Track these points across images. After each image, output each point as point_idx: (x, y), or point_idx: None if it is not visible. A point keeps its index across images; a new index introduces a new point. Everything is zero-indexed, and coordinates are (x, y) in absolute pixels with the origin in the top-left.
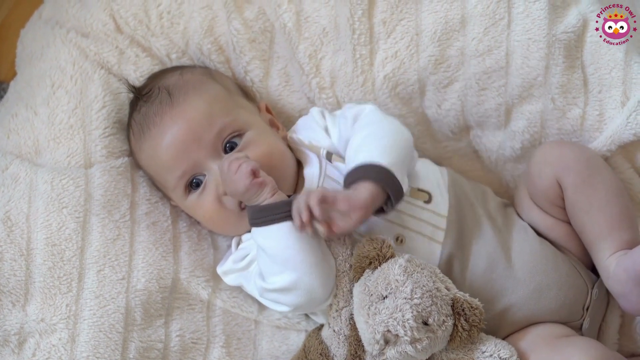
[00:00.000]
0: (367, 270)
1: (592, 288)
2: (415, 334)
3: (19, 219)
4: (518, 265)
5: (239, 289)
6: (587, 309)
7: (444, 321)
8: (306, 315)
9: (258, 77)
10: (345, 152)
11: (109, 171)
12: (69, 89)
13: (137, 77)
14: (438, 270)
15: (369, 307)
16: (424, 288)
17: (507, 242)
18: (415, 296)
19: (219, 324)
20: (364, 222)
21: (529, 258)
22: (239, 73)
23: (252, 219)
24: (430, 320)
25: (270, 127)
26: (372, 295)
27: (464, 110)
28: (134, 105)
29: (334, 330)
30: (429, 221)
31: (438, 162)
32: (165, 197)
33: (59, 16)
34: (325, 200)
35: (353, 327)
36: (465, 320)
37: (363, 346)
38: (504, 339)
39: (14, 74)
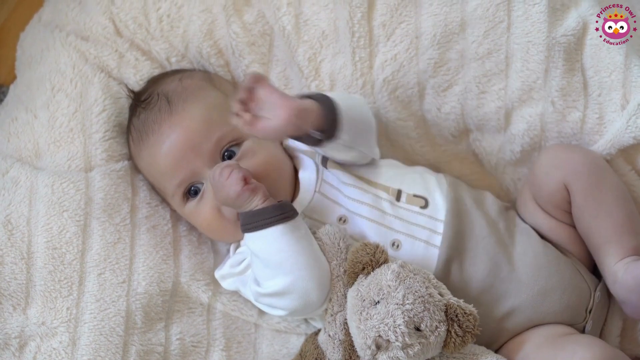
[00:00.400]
0: (360, 275)
1: (595, 291)
2: (407, 339)
3: (19, 223)
4: (521, 269)
5: (239, 293)
6: (590, 312)
7: (436, 327)
8: (305, 319)
9: None
10: None
11: (109, 175)
12: (69, 92)
13: (137, 80)
14: (432, 276)
15: (360, 313)
16: (416, 294)
17: (509, 245)
18: (407, 302)
19: (219, 327)
20: (290, 130)
21: (532, 261)
22: (238, 76)
23: (243, 224)
24: (423, 326)
25: None
26: (364, 300)
27: (464, 114)
28: (133, 110)
29: (329, 335)
30: (425, 226)
31: (437, 166)
32: (165, 201)
33: (59, 20)
34: (258, 89)
35: (347, 331)
36: (459, 326)
37: (357, 351)
38: (507, 341)
39: (14, 78)
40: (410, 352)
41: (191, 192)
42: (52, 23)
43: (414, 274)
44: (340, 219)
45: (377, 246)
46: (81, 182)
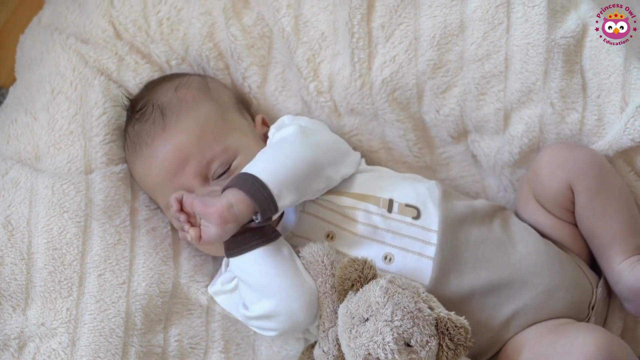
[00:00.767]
0: (349, 292)
1: (597, 287)
2: (397, 356)
3: (19, 223)
4: (523, 269)
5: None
6: (593, 308)
7: (427, 342)
8: None
9: (256, 83)
10: None
11: (109, 177)
12: (69, 95)
13: (137, 83)
14: (422, 290)
15: (350, 331)
16: (405, 309)
17: (508, 247)
18: (396, 318)
19: (218, 329)
20: (230, 230)
21: (534, 260)
22: (237, 79)
23: (227, 250)
24: (413, 342)
25: (264, 140)
26: (353, 317)
27: (463, 116)
28: (129, 117)
29: (323, 351)
30: (417, 237)
31: (434, 168)
32: None
33: (58, 22)
34: (184, 202)
35: (340, 347)
36: (450, 339)
37: None
38: (510, 338)
39: (14, 80)
40: None
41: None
42: (52, 25)
43: (403, 289)
44: (328, 236)
45: (365, 261)
46: (81, 183)
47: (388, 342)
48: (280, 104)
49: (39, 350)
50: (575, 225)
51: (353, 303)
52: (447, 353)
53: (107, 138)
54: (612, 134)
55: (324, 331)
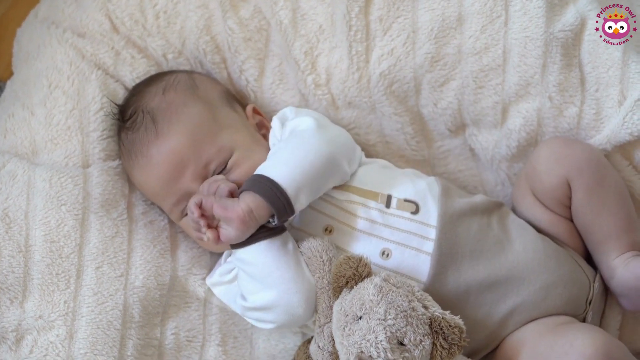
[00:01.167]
0: (344, 289)
1: (594, 281)
2: (389, 355)
3: (17, 216)
4: (521, 266)
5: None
6: (590, 303)
7: (420, 341)
8: None
9: (253, 77)
10: None
11: (107, 171)
12: (66, 90)
13: (133, 78)
14: (416, 289)
15: (343, 328)
16: (399, 308)
17: (506, 244)
18: (389, 317)
19: (216, 322)
20: (248, 232)
21: (531, 256)
22: (234, 72)
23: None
24: (406, 340)
25: (259, 129)
26: (347, 315)
27: (461, 109)
28: (120, 125)
29: (319, 346)
30: (416, 233)
31: (432, 162)
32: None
33: (55, 16)
34: (203, 207)
35: (335, 343)
36: (444, 339)
37: None
38: (508, 335)
39: (11, 74)
40: None
41: (185, 210)
42: (49, 19)
43: (397, 288)
44: (326, 229)
45: (360, 259)
46: (79, 177)
47: (381, 341)
48: (278, 97)
49: (37, 343)
50: (572, 220)
51: (347, 301)
52: (441, 352)
53: (104, 133)
54: (610, 128)
55: (319, 327)
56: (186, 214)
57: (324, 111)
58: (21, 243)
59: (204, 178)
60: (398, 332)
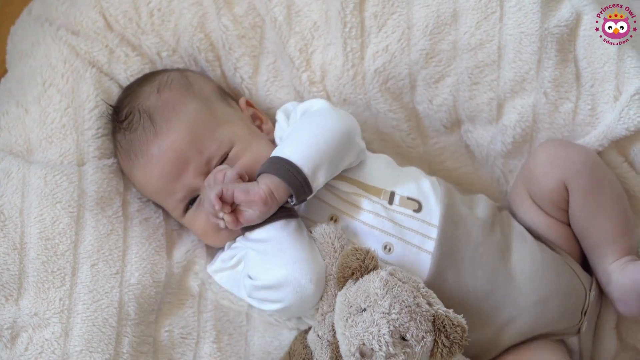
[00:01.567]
0: (349, 280)
1: (590, 290)
2: (391, 349)
3: (12, 213)
4: (519, 276)
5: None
6: (585, 313)
7: (422, 337)
8: None
9: (247, 74)
10: None
11: (102, 169)
12: (60, 88)
13: (127, 76)
14: (421, 285)
15: (346, 319)
16: (403, 303)
17: (506, 252)
18: (393, 311)
19: (210, 319)
20: (269, 213)
21: (529, 267)
22: (228, 70)
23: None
24: (408, 336)
25: (253, 121)
26: (351, 306)
27: (456, 105)
28: (116, 126)
29: (318, 335)
30: (418, 230)
31: (428, 159)
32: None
33: (49, 13)
34: (224, 196)
35: (336, 333)
36: (446, 337)
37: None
38: (508, 348)
39: (5, 72)
40: None
41: (190, 203)
42: (42, 17)
43: (403, 282)
44: (331, 218)
45: (368, 252)
46: (74, 174)
47: (383, 334)
48: (273, 94)
49: (32, 341)
50: (569, 225)
51: (352, 292)
52: (442, 350)
53: (99, 132)
54: (606, 123)
55: (322, 314)
56: (189, 209)
57: None
58: (16, 240)
59: (207, 173)
60: (401, 326)
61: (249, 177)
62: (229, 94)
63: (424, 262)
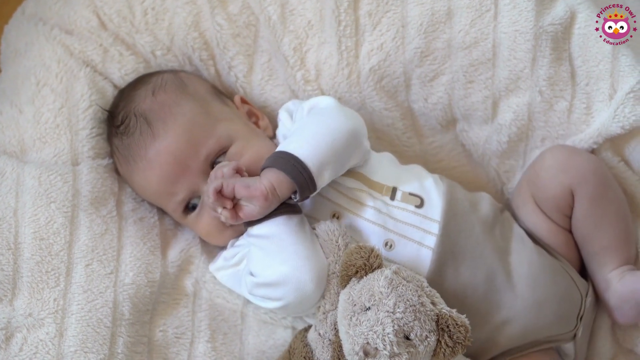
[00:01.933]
0: (353, 278)
1: (586, 296)
2: (395, 348)
3: (6, 213)
4: (516, 279)
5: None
6: (581, 319)
7: (426, 337)
8: None
9: (242, 73)
10: None
11: (96, 169)
12: (54, 87)
13: (122, 75)
14: (426, 284)
15: (350, 318)
16: (408, 302)
17: (504, 253)
18: (398, 310)
19: (205, 319)
20: (270, 208)
21: (527, 271)
22: (223, 69)
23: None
24: (412, 335)
25: (249, 118)
26: (355, 305)
27: (451, 104)
28: (112, 131)
29: (319, 334)
30: (419, 226)
31: (424, 157)
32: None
33: (42, 12)
34: (224, 190)
35: (338, 332)
36: (449, 336)
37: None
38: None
39: None
40: None
41: (189, 207)
42: (36, 16)
43: (407, 282)
44: (333, 216)
45: (372, 250)
46: (68, 174)
47: (388, 334)
48: (267, 93)
49: (27, 341)
50: (570, 232)
51: (356, 290)
52: (445, 350)
53: (93, 132)
54: (601, 121)
55: (323, 313)
56: (188, 212)
57: None
58: (10, 240)
59: (207, 172)
60: (405, 326)
61: (251, 173)
62: (224, 93)
63: (425, 258)
